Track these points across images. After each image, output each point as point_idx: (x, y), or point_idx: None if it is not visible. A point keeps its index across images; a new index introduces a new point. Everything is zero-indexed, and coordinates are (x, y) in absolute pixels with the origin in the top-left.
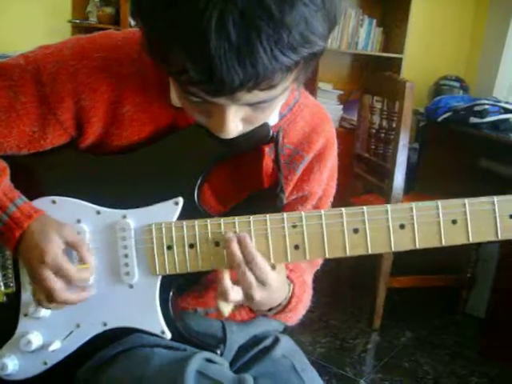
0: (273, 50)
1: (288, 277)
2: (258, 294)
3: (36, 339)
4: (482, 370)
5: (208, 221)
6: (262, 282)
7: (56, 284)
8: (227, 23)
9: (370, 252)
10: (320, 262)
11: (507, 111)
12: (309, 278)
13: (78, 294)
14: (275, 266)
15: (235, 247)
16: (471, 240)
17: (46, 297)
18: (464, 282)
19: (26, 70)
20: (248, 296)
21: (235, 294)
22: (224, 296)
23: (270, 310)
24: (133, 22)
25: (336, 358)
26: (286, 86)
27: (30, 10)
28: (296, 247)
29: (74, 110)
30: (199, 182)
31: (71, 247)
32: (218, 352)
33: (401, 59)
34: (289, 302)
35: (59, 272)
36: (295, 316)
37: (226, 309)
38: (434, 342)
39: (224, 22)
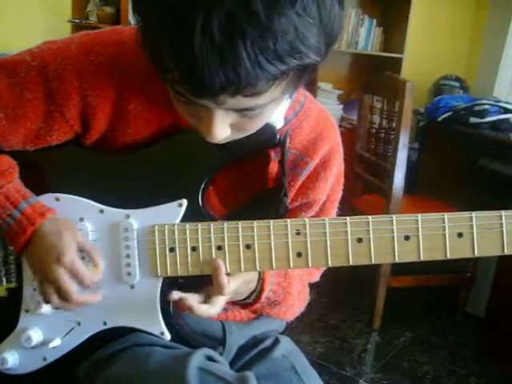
0: (257, 56)
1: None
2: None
3: (36, 335)
4: (481, 369)
5: (211, 224)
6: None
7: (72, 286)
8: (212, 23)
9: (373, 262)
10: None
11: (507, 111)
12: (293, 271)
13: (91, 295)
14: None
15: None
16: (476, 254)
17: (60, 297)
18: (464, 282)
19: (31, 66)
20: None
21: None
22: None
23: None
24: (133, 21)
25: (336, 357)
26: (274, 97)
27: (29, 10)
28: (299, 254)
29: (80, 107)
30: (204, 184)
31: (84, 251)
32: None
33: (401, 59)
34: (260, 293)
35: (74, 275)
36: (289, 310)
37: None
38: (434, 342)
39: (209, 21)
